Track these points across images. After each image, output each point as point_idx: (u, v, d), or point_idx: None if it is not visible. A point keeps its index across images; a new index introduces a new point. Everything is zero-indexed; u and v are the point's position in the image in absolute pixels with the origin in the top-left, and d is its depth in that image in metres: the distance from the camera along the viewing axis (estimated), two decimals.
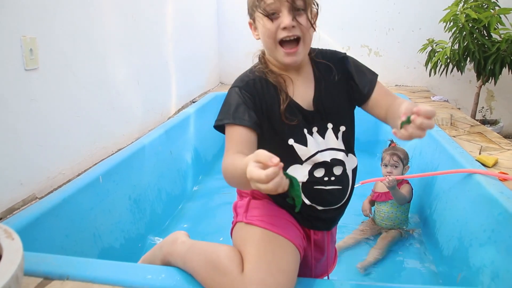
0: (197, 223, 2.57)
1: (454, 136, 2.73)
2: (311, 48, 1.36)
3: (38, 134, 1.85)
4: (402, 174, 2.46)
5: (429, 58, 3.95)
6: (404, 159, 2.45)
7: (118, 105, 2.56)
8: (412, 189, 2.46)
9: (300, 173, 1.31)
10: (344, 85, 1.36)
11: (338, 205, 1.39)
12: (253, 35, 1.35)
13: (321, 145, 1.32)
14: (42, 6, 1.86)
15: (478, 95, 3.87)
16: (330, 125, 1.33)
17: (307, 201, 1.34)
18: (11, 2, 1.68)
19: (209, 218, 2.63)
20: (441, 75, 3.90)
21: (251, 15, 1.32)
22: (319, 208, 1.36)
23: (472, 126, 3.04)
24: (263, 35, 1.27)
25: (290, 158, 1.30)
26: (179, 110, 3.53)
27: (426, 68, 4.01)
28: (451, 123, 3.08)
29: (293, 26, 1.21)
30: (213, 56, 4.73)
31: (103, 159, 2.29)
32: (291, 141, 1.30)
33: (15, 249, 0.90)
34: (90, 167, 2.17)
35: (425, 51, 4.00)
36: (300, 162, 1.31)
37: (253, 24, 1.34)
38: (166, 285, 1.16)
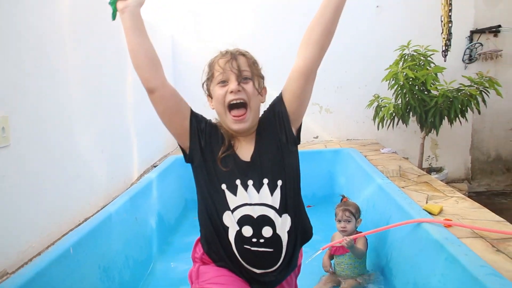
0: (168, 285, 2.61)
1: (403, 187, 2.94)
2: None
3: (8, 210, 1.90)
4: (355, 227, 2.61)
5: (376, 113, 4.25)
6: (356, 213, 2.61)
7: (83, 174, 2.63)
8: (367, 239, 2.62)
9: (230, 222, 1.43)
10: (276, 134, 1.50)
11: (274, 268, 1.46)
12: (210, 106, 1.53)
13: (253, 198, 1.43)
14: (12, 86, 1.96)
15: (422, 145, 4.18)
16: (266, 180, 1.44)
17: (242, 262, 1.45)
18: None
19: (179, 279, 2.67)
20: (388, 128, 4.19)
21: (208, 89, 1.52)
22: (257, 271, 1.46)
23: (419, 176, 3.28)
24: (216, 101, 1.46)
25: (222, 202, 1.43)
26: (141, 176, 3.61)
27: (374, 122, 4.30)
28: (400, 174, 3.31)
29: (239, 90, 1.41)
30: None
31: (71, 229, 2.34)
32: (223, 186, 1.44)
33: None
34: (59, 238, 2.21)
35: (372, 106, 4.31)
36: (229, 209, 1.43)
37: (209, 96, 1.52)
38: None
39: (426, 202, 2.61)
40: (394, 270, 2.42)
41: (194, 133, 1.47)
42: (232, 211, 1.43)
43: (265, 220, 1.43)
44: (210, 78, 1.50)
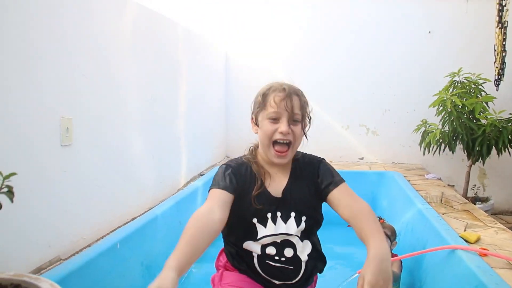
0: None
1: (443, 214, 2.94)
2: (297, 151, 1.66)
3: (66, 203, 2.09)
4: (390, 249, 2.64)
5: (423, 138, 4.24)
6: (391, 236, 2.64)
7: (133, 177, 2.82)
8: (402, 262, 2.63)
9: (255, 247, 1.58)
10: (312, 183, 1.63)
11: (293, 282, 1.60)
12: (252, 129, 1.66)
13: (279, 229, 1.56)
14: (78, 91, 2.17)
15: (468, 173, 4.12)
16: (293, 214, 1.59)
17: (263, 274, 1.58)
18: (53, 87, 1.98)
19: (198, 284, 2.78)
20: (434, 154, 4.17)
21: (256, 117, 1.63)
22: (276, 282, 1.59)
23: (461, 204, 3.25)
24: (263, 133, 1.58)
25: (250, 232, 1.57)
26: (188, 182, 3.78)
27: (420, 147, 4.29)
28: (441, 201, 3.30)
29: (288, 133, 1.52)
30: (221, 132, 5.07)
31: (118, 227, 2.51)
32: (254, 220, 1.56)
33: None
34: (108, 233, 2.38)
35: (419, 131, 4.30)
36: (256, 239, 1.56)
37: (254, 120, 1.63)
38: None
39: (464, 230, 2.61)
40: None
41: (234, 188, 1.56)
42: (258, 239, 1.57)
43: (288, 243, 1.58)
44: (261, 108, 1.60)
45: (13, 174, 1.18)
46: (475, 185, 4.67)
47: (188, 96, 3.78)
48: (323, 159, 1.72)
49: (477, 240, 2.42)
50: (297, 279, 1.60)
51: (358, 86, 4.97)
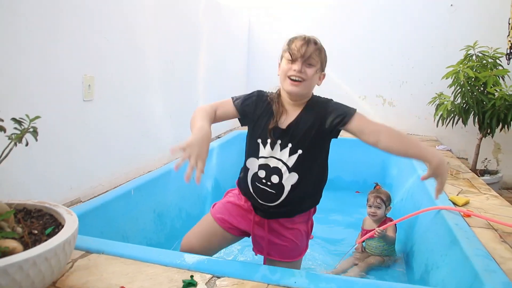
0: None
1: None
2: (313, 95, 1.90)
3: (87, 151, 2.35)
4: (385, 214, 2.82)
5: (436, 110, 4.33)
6: (386, 201, 2.82)
7: (151, 133, 3.06)
8: (396, 226, 2.81)
9: (253, 165, 1.88)
10: (320, 120, 1.81)
11: (272, 205, 1.88)
12: (278, 71, 1.89)
13: (275, 153, 1.83)
14: (99, 50, 2.40)
15: (478, 146, 4.20)
16: (290, 145, 1.82)
17: (252, 192, 1.91)
18: (77, 48, 2.21)
19: None
20: (447, 126, 4.26)
21: (281, 57, 1.89)
22: (260, 201, 1.90)
23: (462, 173, 3.38)
24: (281, 70, 1.84)
25: (253, 151, 1.87)
26: None
27: (434, 119, 4.38)
28: None
29: (301, 72, 1.76)
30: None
31: (135, 178, 2.78)
32: (258, 140, 1.86)
33: (73, 220, 1.37)
34: (124, 183, 2.65)
35: (434, 103, 4.39)
36: (257, 157, 1.86)
37: (279, 63, 1.89)
38: (177, 264, 1.58)
39: (457, 195, 2.76)
40: (415, 253, 2.61)
41: (245, 117, 1.91)
42: (259, 158, 1.85)
43: (276, 171, 1.83)
44: (284, 52, 1.84)
45: (37, 117, 1.42)
46: (486, 159, 4.73)
47: (208, 61, 3.98)
48: (331, 99, 1.91)
49: (465, 204, 2.57)
50: (277, 202, 1.87)
51: (376, 57, 5.04)
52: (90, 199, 2.33)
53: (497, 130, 3.97)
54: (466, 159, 4.86)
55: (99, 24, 2.37)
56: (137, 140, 2.87)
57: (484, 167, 4.58)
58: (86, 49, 2.29)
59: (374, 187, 2.96)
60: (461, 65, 3.95)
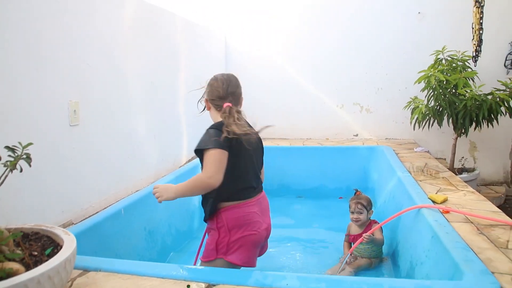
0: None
1: (420, 180, 3.20)
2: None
3: (76, 175, 2.41)
4: (368, 217, 2.93)
5: (412, 114, 4.48)
6: (367, 206, 2.93)
7: (137, 154, 3.13)
8: (382, 228, 2.91)
9: None
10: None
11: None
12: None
13: None
14: (82, 78, 2.47)
15: (454, 146, 4.36)
16: None
17: None
18: (61, 75, 2.28)
19: None
20: (423, 128, 4.41)
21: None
22: None
23: (440, 172, 3.51)
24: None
25: None
26: (189, 160, 4.09)
27: (411, 123, 4.53)
28: (422, 170, 3.56)
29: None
30: None
31: (124, 198, 2.83)
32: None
33: (71, 239, 1.43)
34: (114, 203, 2.70)
35: (409, 107, 4.54)
36: None
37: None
38: (173, 276, 1.64)
39: (436, 193, 2.87)
40: (400, 252, 2.71)
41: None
42: None
43: None
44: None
45: (30, 144, 1.48)
46: (463, 157, 4.90)
47: (187, 81, 4.07)
48: (209, 127, 2.19)
49: (444, 201, 2.69)
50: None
51: (351, 67, 5.20)
52: (82, 220, 2.38)
53: (471, 129, 4.13)
54: (444, 159, 5.01)
55: (80, 50, 2.45)
56: (124, 161, 2.93)
57: (462, 165, 4.74)
58: (70, 76, 2.36)
59: (355, 193, 3.06)
60: (432, 69, 4.12)
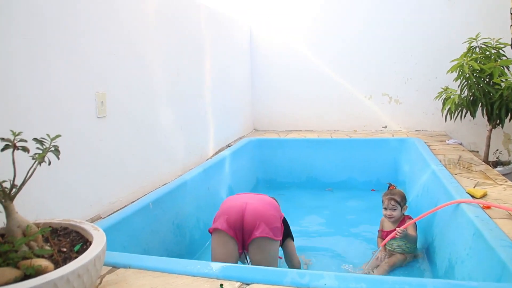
0: None
1: (456, 174, 3.07)
2: None
3: (104, 168, 2.36)
4: (402, 213, 2.81)
5: (444, 104, 4.32)
6: (401, 201, 2.81)
7: (164, 147, 3.08)
8: (416, 224, 2.80)
9: None
10: None
11: None
12: None
13: None
14: (109, 68, 2.42)
15: (489, 137, 4.19)
16: None
17: None
18: (88, 66, 2.24)
19: None
20: (455, 120, 4.25)
21: None
22: None
23: (476, 165, 3.37)
24: None
25: None
26: (216, 153, 4.04)
27: (442, 114, 4.38)
28: (457, 163, 3.43)
29: None
30: (247, 106, 5.30)
31: (151, 191, 2.78)
32: None
33: (101, 235, 1.37)
34: (141, 197, 2.66)
35: (440, 98, 4.38)
36: None
37: None
38: (205, 273, 1.58)
39: (474, 187, 2.75)
40: (436, 249, 2.61)
41: None
42: None
43: None
44: None
45: (58, 136, 1.43)
46: (497, 150, 4.72)
47: (212, 71, 4.00)
48: None
49: (483, 196, 2.56)
50: None
51: (379, 55, 5.06)
52: (110, 215, 2.34)
53: (506, 120, 3.96)
54: (477, 151, 4.85)
55: (106, 41, 2.40)
56: (150, 154, 2.88)
57: (496, 158, 4.57)
58: (97, 66, 2.31)
59: (388, 188, 2.94)
60: (465, 58, 3.95)
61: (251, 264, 2.25)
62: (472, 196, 2.54)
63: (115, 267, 1.66)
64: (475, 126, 4.80)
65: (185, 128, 3.40)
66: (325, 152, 4.59)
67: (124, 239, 2.19)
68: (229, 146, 4.35)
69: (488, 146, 4.21)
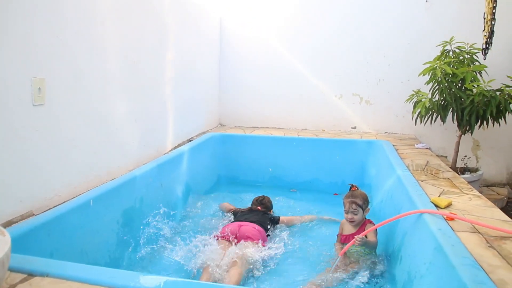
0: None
1: (422, 180, 2.95)
2: None
3: (39, 160, 2.14)
4: (363, 217, 2.67)
5: (414, 108, 4.22)
6: (363, 204, 2.65)
7: (115, 139, 2.86)
8: (377, 230, 2.66)
9: None
10: None
11: None
12: None
13: None
14: (51, 51, 2.19)
15: (458, 143, 4.11)
16: None
17: None
18: (23, 48, 2.00)
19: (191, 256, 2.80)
20: (425, 124, 4.15)
21: None
22: None
23: (443, 172, 3.26)
24: None
25: None
26: (175, 147, 3.82)
27: (412, 117, 4.28)
28: (423, 169, 3.31)
29: None
30: (213, 100, 5.08)
31: (96, 186, 2.57)
32: None
33: (4, 241, 1.17)
34: (84, 192, 2.44)
35: (411, 101, 4.28)
36: None
37: None
38: (129, 286, 1.40)
39: (439, 196, 2.63)
40: (397, 259, 2.46)
41: None
42: None
43: None
44: None
45: None
46: (466, 156, 4.66)
47: (176, 61, 3.79)
48: None
49: (448, 205, 2.44)
50: None
51: (352, 55, 4.92)
52: (44, 211, 2.12)
53: (476, 127, 3.87)
54: (446, 156, 4.78)
55: (50, 22, 2.17)
56: (98, 146, 2.66)
57: (464, 164, 4.50)
58: (35, 50, 2.08)
59: (350, 189, 2.78)
60: (438, 61, 3.84)
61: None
62: (436, 206, 2.41)
63: (31, 275, 1.46)
64: (445, 131, 4.72)
65: (140, 120, 3.19)
66: (291, 151, 4.43)
67: (57, 240, 1.98)
68: (190, 141, 4.14)
69: (456, 152, 4.12)
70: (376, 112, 4.97)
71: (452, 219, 2.22)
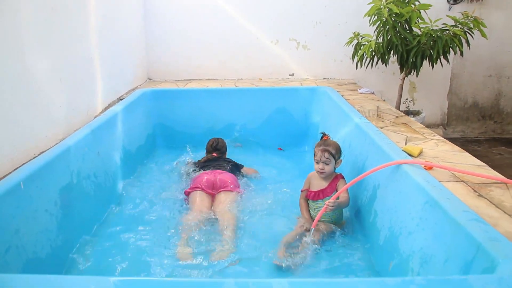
0: (129, 226, 2.46)
1: (381, 128, 2.82)
2: None
3: None
4: (334, 168, 2.47)
5: (355, 51, 4.06)
6: (336, 154, 2.43)
7: (38, 102, 2.40)
8: (345, 181, 2.48)
9: None
10: None
11: None
12: None
13: None
14: None
15: (401, 87, 4.04)
16: None
17: None
18: None
19: (141, 220, 2.54)
20: (367, 67, 4.01)
21: None
22: None
23: (397, 117, 3.16)
24: None
25: None
26: (105, 108, 3.37)
27: (353, 61, 4.12)
28: (377, 115, 3.19)
29: None
30: (140, 50, 4.57)
31: (24, 163, 2.14)
32: None
33: None
34: (10, 173, 2.01)
35: (351, 44, 4.11)
36: None
37: None
38: None
39: (405, 144, 2.51)
40: (371, 214, 2.31)
41: None
42: None
43: None
44: None
45: None
46: (406, 99, 4.65)
47: (99, 8, 3.27)
48: None
49: (420, 153, 2.33)
50: None
51: None
52: None
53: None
54: (384, 100, 4.72)
55: None
56: (19, 112, 2.20)
57: (406, 107, 4.48)
58: None
59: (321, 138, 2.54)
60: (382, 1, 3.66)
61: None
62: (410, 155, 2.28)
63: None
64: (382, 74, 4.66)
65: (66, 79, 2.71)
66: (229, 104, 4.11)
67: None
68: (121, 99, 3.70)
69: (400, 95, 4.07)
70: (314, 57, 4.77)
71: (430, 168, 2.09)
